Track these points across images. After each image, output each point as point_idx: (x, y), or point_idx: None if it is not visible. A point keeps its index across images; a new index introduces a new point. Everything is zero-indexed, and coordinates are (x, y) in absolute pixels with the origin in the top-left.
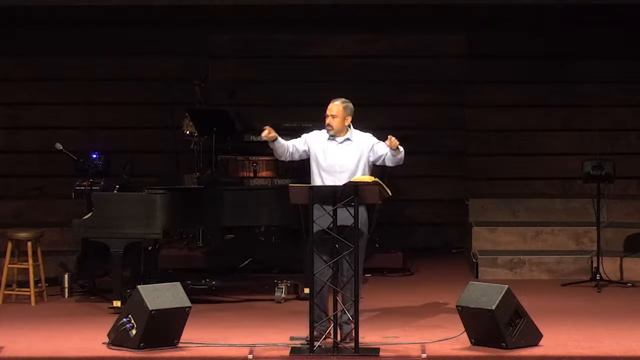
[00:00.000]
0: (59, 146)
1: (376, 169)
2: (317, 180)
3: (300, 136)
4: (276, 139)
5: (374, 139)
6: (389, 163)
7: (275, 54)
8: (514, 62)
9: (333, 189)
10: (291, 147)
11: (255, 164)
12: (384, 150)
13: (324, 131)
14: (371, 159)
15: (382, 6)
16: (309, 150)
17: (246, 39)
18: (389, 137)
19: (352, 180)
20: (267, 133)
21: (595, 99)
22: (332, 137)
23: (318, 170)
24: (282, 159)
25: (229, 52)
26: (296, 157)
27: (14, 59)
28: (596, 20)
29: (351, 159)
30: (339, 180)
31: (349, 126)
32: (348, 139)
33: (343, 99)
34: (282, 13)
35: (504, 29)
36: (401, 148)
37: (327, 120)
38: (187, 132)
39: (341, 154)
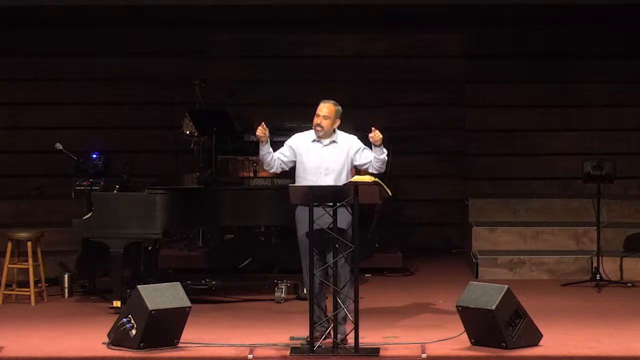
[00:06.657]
0: (59, 146)
1: None
2: (302, 183)
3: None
4: (267, 141)
5: (361, 144)
6: (371, 170)
7: (275, 54)
8: (514, 62)
9: (333, 189)
10: (280, 158)
11: (255, 164)
12: (370, 157)
13: (306, 132)
14: (355, 162)
15: (382, 6)
16: (296, 155)
17: (246, 39)
18: (372, 128)
19: (351, 180)
20: (262, 130)
21: (595, 99)
22: (318, 139)
23: (304, 173)
24: (272, 170)
25: (229, 52)
26: (286, 168)
27: (14, 59)
28: (596, 20)
29: (337, 161)
30: (325, 182)
31: (335, 129)
32: (334, 142)
33: (334, 101)
34: (282, 13)
35: (504, 29)
36: (384, 150)
37: (318, 121)
38: (187, 132)
39: (327, 156)
